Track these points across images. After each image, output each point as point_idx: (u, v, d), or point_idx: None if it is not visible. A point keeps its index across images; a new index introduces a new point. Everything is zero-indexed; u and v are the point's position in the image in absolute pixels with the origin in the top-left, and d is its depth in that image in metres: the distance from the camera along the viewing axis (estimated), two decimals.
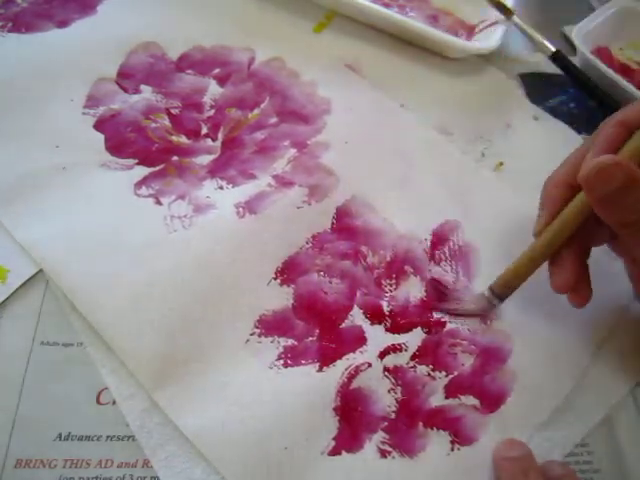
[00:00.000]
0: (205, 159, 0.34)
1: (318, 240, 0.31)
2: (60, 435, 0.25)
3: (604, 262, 0.33)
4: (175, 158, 0.33)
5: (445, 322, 0.30)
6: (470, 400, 0.28)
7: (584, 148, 0.28)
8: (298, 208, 0.32)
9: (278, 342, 0.28)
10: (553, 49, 0.41)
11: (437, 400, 0.28)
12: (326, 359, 0.28)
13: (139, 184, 0.32)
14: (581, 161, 0.26)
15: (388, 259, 0.31)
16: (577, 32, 0.42)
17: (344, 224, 0.32)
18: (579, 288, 0.28)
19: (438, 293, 0.31)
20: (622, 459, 0.28)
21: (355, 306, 0.30)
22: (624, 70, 0.44)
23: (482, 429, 0.27)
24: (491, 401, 0.28)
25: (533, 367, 0.29)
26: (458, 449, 0.27)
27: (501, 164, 0.37)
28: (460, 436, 0.27)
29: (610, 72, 0.40)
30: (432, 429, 0.27)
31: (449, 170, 0.36)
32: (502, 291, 0.29)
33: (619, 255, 0.30)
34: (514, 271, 0.28)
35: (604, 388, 0.29)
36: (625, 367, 0.30)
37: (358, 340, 0.29)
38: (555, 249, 0.27)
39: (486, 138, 0.38)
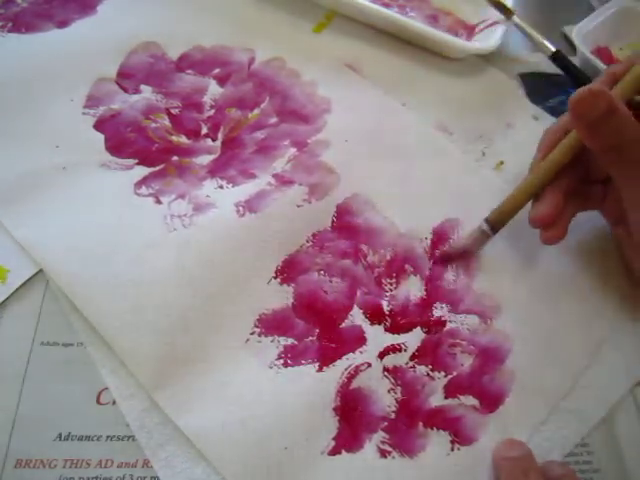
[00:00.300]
0: (205, 159, 0.34)
1: (318, 239, 0.31)
2: (60, 435, 0.25)
3: (604, 262, 0.33)
4: (175, 158, 0.33)
5: (445, 322, 0.30)
6: (469, 400, 0.28)
7: None
8: (298, 207, 0.32)
9: (278, 341, 0.28)
10: (553, 49, 0.41)
11: (437, 400, 0.28)
12: (326, 359, 0.28)
13: (139, 184, 0.32)
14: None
15: (388, 258, 0.31)
16: (577, 32, 0.42)
17: (344, 223, 0.32)
18: (554, 225, 0.29)
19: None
20: (622, 459, 0.27)
21: (355, 306, 0.30)
22: None
23: (482, 429, 0.27)
24: (490, 401, 0.28)
25: (532, 367, 0.29)
26: (458, 449, 0.27)
27: (501, 163, 0.37)
28: (460, 436, 0.27)
29: None
30: (432, 429, 0.27)
31: (450, 169, 0.36)
32: (497, 220, 0.30)
33: (608, 218, 0.31)
34: (508, 202, 0.30)
35: (604, 388, 0.29)
36: (625, 367, 0.30)
37: (358, 340, 0.29)
38: (546, 182, 0.29)
39: (486, 137, 0.38)
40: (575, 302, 0.31)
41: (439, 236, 0.33)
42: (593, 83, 0.30)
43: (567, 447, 0.27)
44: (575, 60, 0.42)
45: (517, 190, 0.30)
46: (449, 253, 0.32)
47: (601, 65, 0.40)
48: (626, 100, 0.27)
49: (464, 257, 0.31)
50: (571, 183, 0.29)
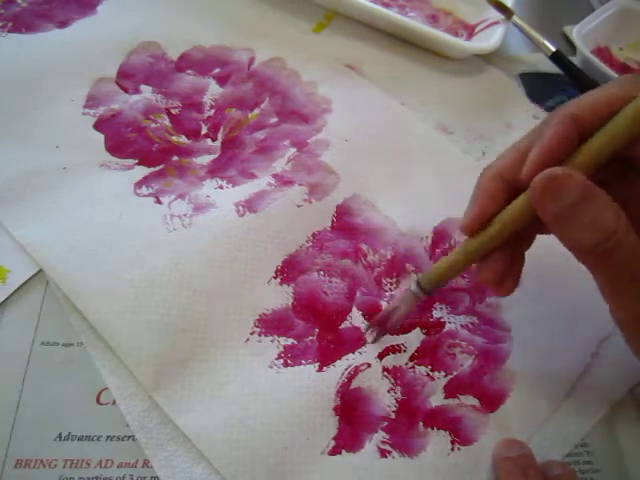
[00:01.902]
0: (205, 159, 0.34)
1: (318, 239, 0.31)
2: (60, 435, 0.25)
3: None
4: (175, 158, 0.33)
5: (444, 323, 0.30)
6: (470, 400, 0.28)
7: (527, 141, 0.24)
8: (298, 207, 0.32)
9: (278, 341, 0.28)
10: (553, 49, 0.41)
11: (437, 400, 0.28)
12: (326, 359, 0.28)
13: (139, 184, 0.32)
14: (523, 156, 0.23)
15: (389, 257, 0.31)
16: (577, 32, 0.42)
17: (344, 222, 0.32)
18: (504, 282, 0.25)
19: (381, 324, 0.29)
20: (622, 459, 0.27)
21: (354, 308, 0.30)
22: (624, 70, 0.44)
23: (482, 429, 0.27)
24: (491, 401, 0.28)
25: (532, 367, 0.29)
26: (458, 449, 0.27)
27: None
28: (460, 436, 0.27)
29: (610, 72, 0.40)
30: (432, 429, 0.27)
31: (450, 168, 0.36)
32: (433, 287, 0.27)
33: None
34: (448, 268, 0.26)
35: (604, 388, 0.29)
36: (625, 367, 0.30)
37: (358, 340, 0.29)
38: (490, 251, 0.25)
39: (487, 137, 0.38)
40: (575, 301, 0.31)
41: (440, 235, 0.33)
42: (545, 132, 0.22)
43: (567, 447, 0.28)
44: (575, 60, 0.42)
45: (458, 255, 0.26)
46: (381, 318, 0.28)
47: (601, 65, 0.40)
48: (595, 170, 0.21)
49: (396, 320, 0.28)
50: (522, 240, 0.26)
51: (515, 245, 0.25)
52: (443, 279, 0.26)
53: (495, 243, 0.24)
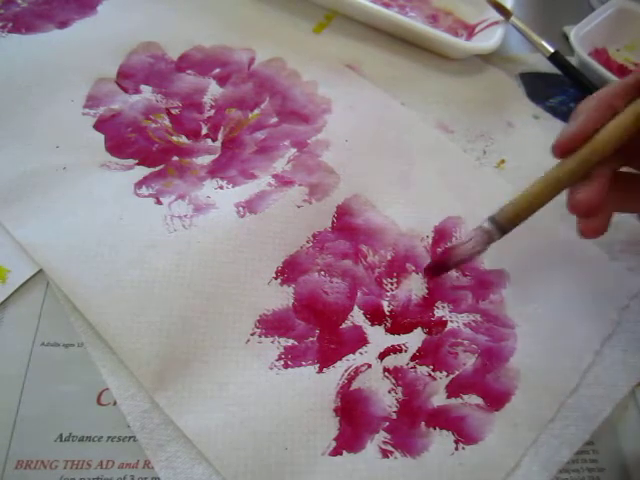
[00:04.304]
0: (205, 159, 0.34)
1: (319, 239, 0.31)
2: (61, 436, 0.25)
3: (604, 262, 0.33)
4: (175, 158, 0.33)
5: (446, 322, 0.30)
6: (473, 399, 0.28)
7: (634, 77, 0.25)
8: (298, 207, 0.32)
9: (279, 342, 0.28)
10: (552, 50, 0.41)
11: (439, 400, 0.28)
12: (326, 360, 0.28)
13: (139, 184, 0.32)
14: (631, 88, 0.24)
15: (389, 257, 0.31)
16: (575, 34, 0.42)
17: (345, 223, 0.32)
18: (598, 215, 0.25)
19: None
20: (624, 458, 0.28)
21: (355, 307, 0.30)
22: (622, 71, 0.44)
23: (487, 428, 0.27)
24: (496, 399, 0.28)
25: (538, 365, 0.29)
26: (463, 448, 0.27)
27: (503, 162, 0.37)
28: (464, 435, 0.27)
29: (607, 73, 0.40)
30: (434, 429, 0.27)
31: (451, 167, 0.36)
32: (510, 222, 0.25)
33: None
34: (530, 197, 0.24)
35: (607, 387, 0.29)
36: (627, 366, 0.30)
37: (359, 341, 0.29)
38: (584, 174, 0.24)
39: (487, 136, 0.38)
40: (579, 299, 0.31)
41: (440, 234, 0.33)
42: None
43: (576, 445, 0.27)
44: (573, 61, 0.42)
45: (542, 182, 0.24)
46: (446, 262, 0.28)
47: (597, 67, 0.40)
48: None
49: (461, 256, 0.27)
50: (614, 172, 0.25)
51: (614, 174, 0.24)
52: (526, 211, 0.24)
53: (593, 161, 0.23)
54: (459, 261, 0.27)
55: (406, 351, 0.29)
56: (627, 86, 0.25)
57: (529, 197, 0.24)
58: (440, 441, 0.27)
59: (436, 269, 0.29)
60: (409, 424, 0.27)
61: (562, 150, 0.24)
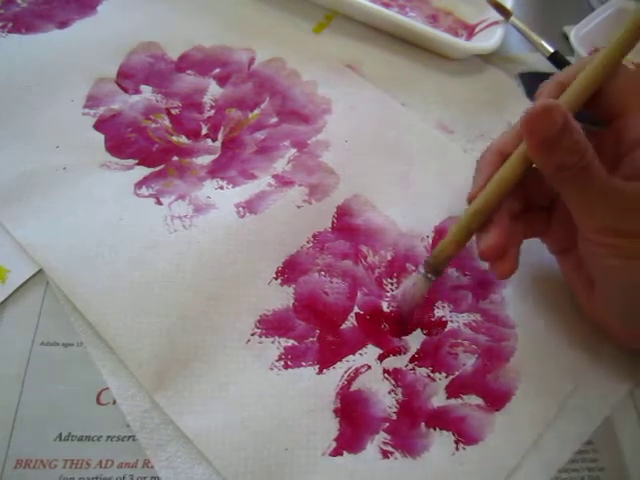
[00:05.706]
0: (205, 159, 0.34)
1: (319, 239, 0.31)
2: (60, 435, 0.25)
3: None
4: (175, 158, 0.33)
5: (446, 322, 0.30)
6: (473, 399, 0.28)
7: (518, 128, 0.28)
8: (299, 207, 0.32)
9: (279, 342, 0.28)
10: (551, 50, 0.41)
11: (439, 401, 0.28)
12: (326, 361, 0.28)
13: (139, 184, 0.32)
14: (520, 134, 0.27)
15: (389, 257, 0.31)
16: (575, 33, 0.42)
17: (345, 223, 0.32)
18: (505, 257, 0.27)
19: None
20: (623, 457, 0.28)
21: (355, 307, 0.30)
22: None
23: (487, 428, 0.27)
24: (496, 399, 0.28)
25: (538, 365, 0.29)
26: (463, 449, 0.26)
27: None
28: (464, 436, 0.27)
29: None
30: (435, 429, 0.27)
31: (450, 167, 0.36)
32: (442, 265, 0.28)
33: (553, 246, 0.30)
34: (454, 242, 0.27)
35: (609, 384, 0.29)
36: (627, 366, 0.30)
37: (359, 342, 0.29)
38: (489, 212, 0.27)
39: (487, 136, 0.38)
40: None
41: (441, 234, 0.33)
42: (541, 94, 0.28)
43: (577, 444, 0.27)
44: (573, 61, 0.42)
45: (459, 226, 0.27)
46: (401, 313, 0.29)
47: None
48: (573, 112, 0.25)
49: (409, 307, 0.29)
50: (515, 208, 0.28)
51: (514, 221, 0.27)
52: (456, 251, 0.27)
53: (492, 201, 0.26)
54: (410, 313, 0.29)
55: (405, 352, 0.29)
56: (517, 132, 0.28)
57: (450, 237, 0.27)
58: (440, 441, 0.27)
59: (402, 330, 0.29)
60: (409, 425, 0.27)
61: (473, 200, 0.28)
